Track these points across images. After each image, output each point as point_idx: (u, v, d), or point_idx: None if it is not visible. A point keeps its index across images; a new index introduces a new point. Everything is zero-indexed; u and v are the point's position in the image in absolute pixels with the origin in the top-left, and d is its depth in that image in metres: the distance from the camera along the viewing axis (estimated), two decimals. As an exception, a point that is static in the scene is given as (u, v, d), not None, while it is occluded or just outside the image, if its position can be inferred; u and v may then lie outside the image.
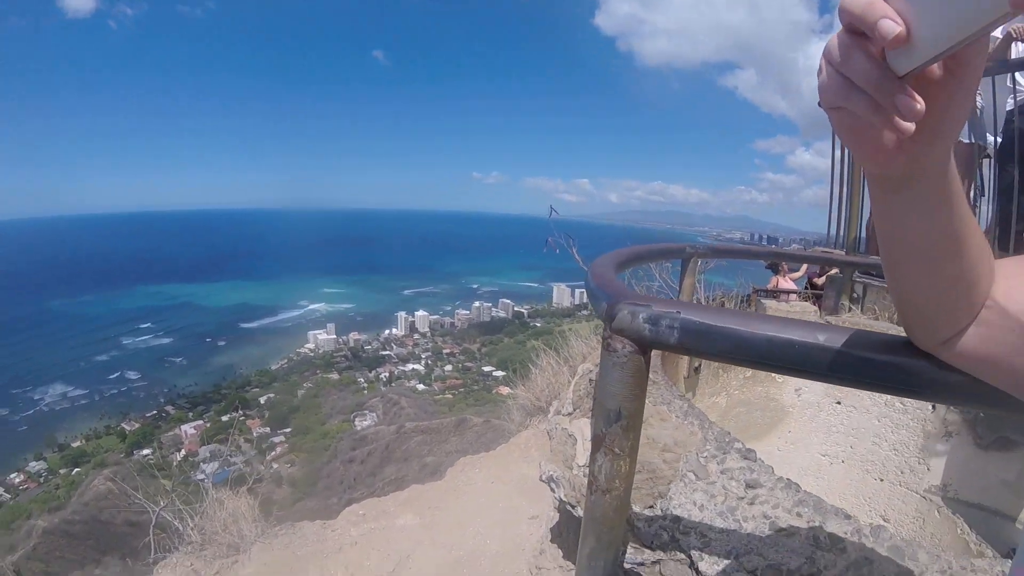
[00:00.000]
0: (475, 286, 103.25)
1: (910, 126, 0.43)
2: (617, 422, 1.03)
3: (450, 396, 54.19)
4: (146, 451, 43.79)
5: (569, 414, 2.26)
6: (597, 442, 1.09)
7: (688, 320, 0.89)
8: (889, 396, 4.38)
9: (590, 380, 2.27)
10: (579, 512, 1.94)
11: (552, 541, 2.71)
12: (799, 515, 1.56)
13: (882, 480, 3.88)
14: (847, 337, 0.80)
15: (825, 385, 4.59)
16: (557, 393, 3.89)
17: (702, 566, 1.49)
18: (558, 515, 2.72)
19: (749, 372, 4.58)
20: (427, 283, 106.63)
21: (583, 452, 2.03)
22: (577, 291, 75.18)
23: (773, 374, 4.60)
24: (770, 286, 6.60)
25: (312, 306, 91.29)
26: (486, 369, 60.76)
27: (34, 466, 50.13)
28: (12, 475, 49.04)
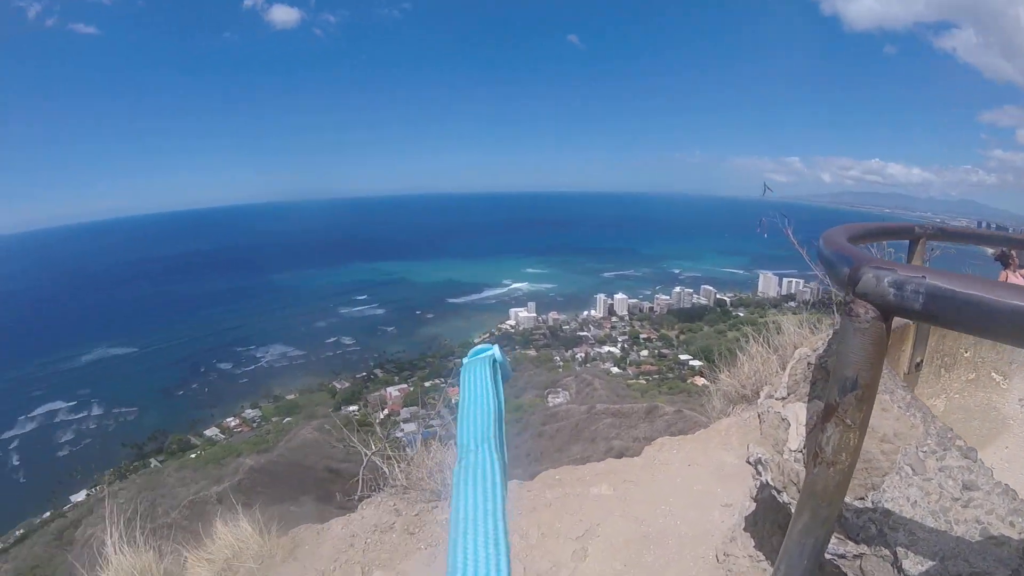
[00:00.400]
0: (676, 271, 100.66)
1: None
2: (852, 391, 0.99)
3: (643, 382, 53.54)
4: (352, 407, 48.36)
5: (783, 398, 2.17)
6: (828, 412, 1.05)
7: (935, 286, 0.84)
8: None
9: (808, 364, 2.17)
10: (784, 497, 1.89)
11: (745, 530, 2.64)
12: (1012, 524, 1.42)
13: None
14: None
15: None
16: (765, 381, 3.74)
17: (906, 564, 1.40)
18: (754, 505, 2.64)
19: (972, 374, 4.07)
20: (627, 266, 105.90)
21: (796, 436, 1.95)
22: (785, 280, 70.58)
23: (998, 380, 4.06)
24: (1001, 277, 5.79)
25: (514, 285, 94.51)
26: (683, 357, 59.25)
27: (249, 413, 57.63)
28: (229, 419, 56.72)
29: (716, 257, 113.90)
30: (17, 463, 54.88)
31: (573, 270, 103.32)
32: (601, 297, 75.30)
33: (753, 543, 2.55)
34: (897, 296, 0.87)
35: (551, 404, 47.40)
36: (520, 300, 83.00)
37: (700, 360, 52.07)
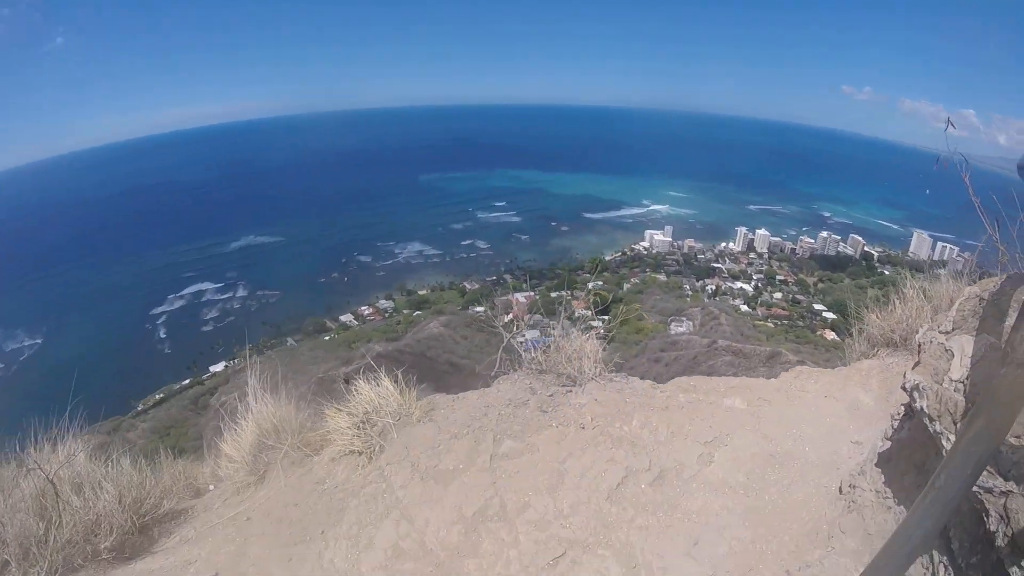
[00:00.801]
0: (826, 214, 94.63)
1: None
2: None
3: (771, 325, 51.75)
4: (479, 308, 50.11)
5: (947, 332, 2.10)
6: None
7: None
8: None
9: (980, 299, 2.07)
10: (938, 427, 1.86)
11: (876, 465, 2.62)
12: None
13: None
14: None
15: None
16: (915, 329, 3.58)
17: None
18: (889, 443, 2.60)
19: None
20: (775, 201, 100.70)
21: (959, 368, 1.91)
22: (939, 244, 64.76)
23: None
24: None
25: (654, 207, 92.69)
26: (817, 307, 56.56)
27: (383, 304, 61.26)
28: (363, 307, 60.39)
29: (871, 207, 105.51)
30: (164, 336, 61.92)
31: (718, 198, 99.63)
32: (742, 230, 72.51)
33: (883, 479, 2.53)
34: None
35: (672, 332, 47.02)
36: (657, 223, 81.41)
37: (834, 313, 49.57)
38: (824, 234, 74.95)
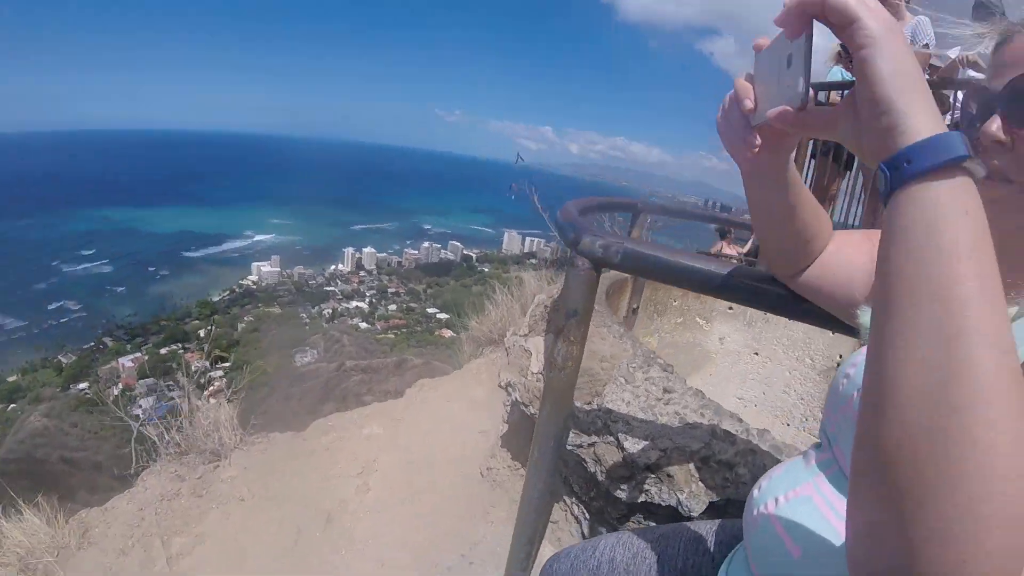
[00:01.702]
0: (427, 226, 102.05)
1: (756, 149, 0.82)
2: (574, 317, 1.46)
3: (392, 336, 54.03)
4: (82, 385, 42.64)
5: (525, 335, 2.70)
6: (557, 332, 1.52)
7: (628, 248, 1.31)
8: (799, 353, 4.98)
9: (545, 306, 2.71)
10: (531, 410, 2.41)
11: (502, 447, 3.19)
12: (702, 415, 2.05)
13: (788, 425, 4.44)
14: (731, 269, 1.23)
15: (746, 336, 5.16)
16: (509, 325, 4.29)
17: (626, 445, 1.96)
18: (507, 427, 3.19)
19: (680, 319, 5.11)
20: (378, 219, 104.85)
21: (536, 363, 2.48)
22: (528, 239, 75.17)
23: (701, 324, 5.15)
24: (713, 250, 7.01)
25: (258, 237, 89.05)
26: (430, 311, 60.70)
27: None
28: None
29: (466, 214, 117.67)
30: None
31: (322, 222, 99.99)
32: (350, 251, 74.17)
33: (510, 456, 3.09)
34: (604, 253, 1.34)
35: (299, 364, 46.19)
36: (264, 253, 78.38)
37: (447, 313, 54.00)
38: (426, 244, 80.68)
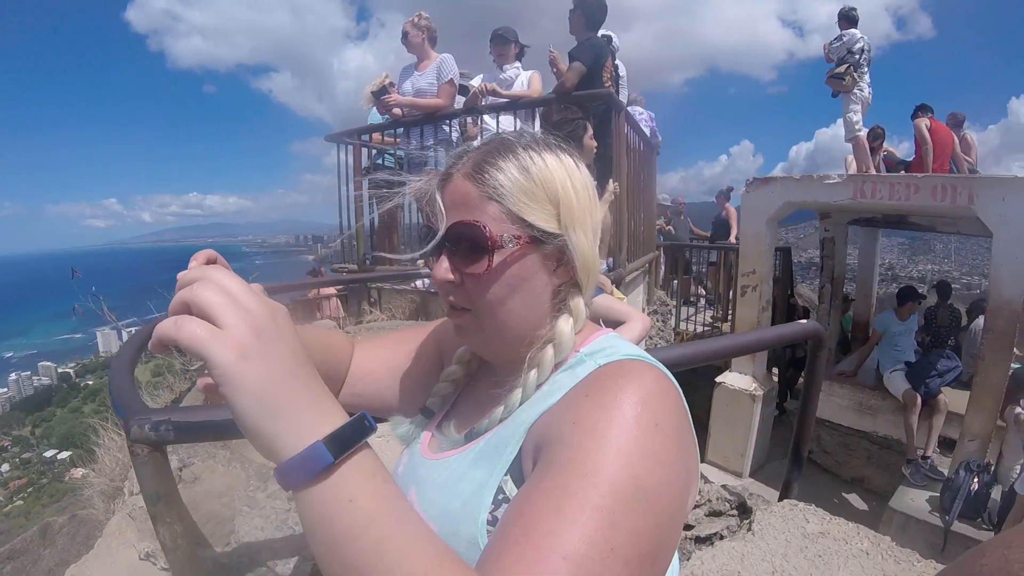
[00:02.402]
0: (9, 354, 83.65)
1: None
2: (159, 502, 1.35)
3: (20, 502, 44.18)
4: None
5: (139, 492, 2.42)
6: (153, 519, 1.39)
7: (178, 421, 1.26)
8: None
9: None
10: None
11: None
12: None
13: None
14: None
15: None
16: (129, 468, 3.84)
17: (279, 569, 1.90)
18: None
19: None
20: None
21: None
22: (125, 331, 66.62)
23: None
24: (311, 295, 6.96)
25: None
26: (48, 454, 51.02)
27: None
28: None
29: (49, 324, 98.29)
30: None
31: None
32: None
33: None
34: (156, 435, 1.26)
35: None
36: None
37: (67, 449, 45.99)
38: (14, 376, 66.37)
